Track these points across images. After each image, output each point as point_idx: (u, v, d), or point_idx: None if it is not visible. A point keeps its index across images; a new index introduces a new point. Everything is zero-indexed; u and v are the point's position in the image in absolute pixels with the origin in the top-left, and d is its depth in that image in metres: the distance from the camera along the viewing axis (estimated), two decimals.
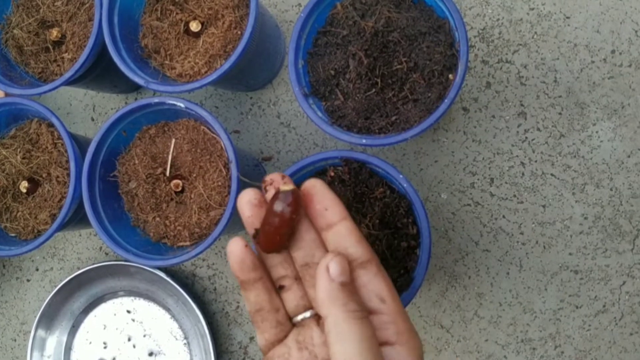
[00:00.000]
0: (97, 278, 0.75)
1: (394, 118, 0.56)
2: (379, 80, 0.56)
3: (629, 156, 0.64)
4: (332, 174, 0.54)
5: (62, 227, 0.64)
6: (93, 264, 0.74)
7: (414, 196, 0.52)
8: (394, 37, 0.56)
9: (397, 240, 0.54)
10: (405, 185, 0.52)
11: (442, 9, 0.55)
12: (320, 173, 0.56)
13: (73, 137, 0.65)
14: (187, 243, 0.61)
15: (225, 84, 0.69)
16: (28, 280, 0.80)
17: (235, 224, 0.65)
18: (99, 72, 0.67)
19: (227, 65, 0.57)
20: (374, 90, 0.56)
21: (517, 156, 0.66)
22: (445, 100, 0.53)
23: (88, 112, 0.78)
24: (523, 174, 0.66)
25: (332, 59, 0.58)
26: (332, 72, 0.57)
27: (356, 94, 0.56)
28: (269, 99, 0.73)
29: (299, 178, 0.56)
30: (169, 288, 0.73)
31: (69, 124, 0.78)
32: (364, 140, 0.54)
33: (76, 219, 0.66)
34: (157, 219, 0.62)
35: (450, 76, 0.55)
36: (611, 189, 0.65)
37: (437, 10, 0.56)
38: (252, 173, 0.69)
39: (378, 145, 0.54)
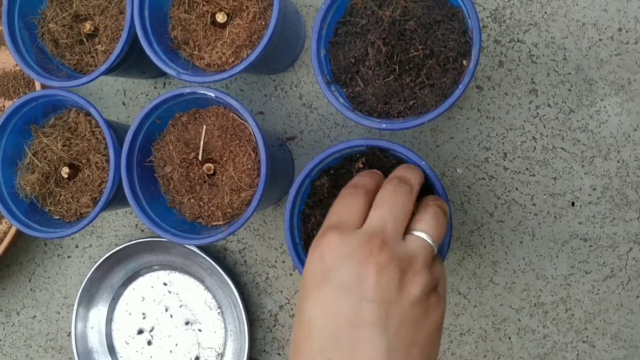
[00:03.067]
0: (134, 254, 0.80)
1: (411, 102, 0.60)
2: (396, 67, 0.60)
3: (635, 129, 0.68)
4: (361, 165, 0.58)
5: (103, 209, 0.68)
6: (130, 240, 0.79)
7: (435, 180, 0.56)
8: (411, 25, 0.59)
9: None
10: (427, 171, 0.55)
11: None
12: (347, 159, 0.60)
13: (109, 124, 0.69)
14: (221, 222, 0.65)
15: (250, 70, 0.72)
16: (69, 257, 0.85)
17: (264, 202, 0.69)
18: (131, 62, 0.71)
19: (253, 56, 0.61)
20: (392, 76, 0.60)
21: (529, 131, 0.70)
22: (460, 86, 0.56)
23: (119, 96, 0.82)
24: (535, 148, 0.70)
25: (352, 48, 0.61)
26: (352, 60, 0.61)
27: (375, 80, 0.60)
28: (291, 81, 0.77)
29: (327, 164, 0.60)
30: (202, 262, 0.77)
31: (102, 109, 0.83)
32: (383, 125, 0.58)
33: (115, 200, 0.71)
34: (192, 200, 0.66)
35: (464, 62, 0.58)
36: (618, 161, 0.68)
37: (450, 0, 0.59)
38: (277, 152, 0.73)
39: (397, 129, 0.58)
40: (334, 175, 0.60)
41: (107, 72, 0.68)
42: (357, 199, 0.49)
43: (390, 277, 0.43)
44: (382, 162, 0.59)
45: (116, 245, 0.82)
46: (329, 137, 0.76)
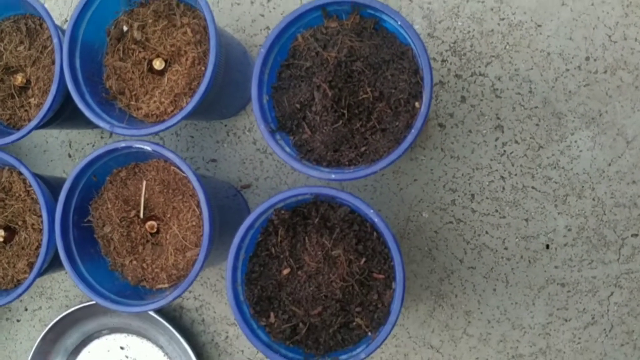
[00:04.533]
0: (89, 316, 0.74)
1: (363, 149, 0.55)
2: (345, 112, 0.55)
3: (609, 164, 0.63)
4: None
5: (41, 274, 0.63)
6: (81, 302, 0.74)
7: (385, 230, 0.51)
8: (358, 66, 0.55)
9: (374, 270, 0.54)
10: (376, 220, 0.51)
11: (404, 35, 0.54)
12: (295, 208, 0.56)
13: (46, 182, 0.65)
14: (166, 285, 0.60)
15: (197, 116, 0.68)
16: (18, 321, 0.80)
17: (213, 259, 0.64)
18: (69, 113, 0.66)
19: (190, 105, 0.57)
20: (341, 122, 0.55)
21: (496, 170, 0.65)
22: (412, 131, 0.51)
23: (64, 148, 0.78)
24: (504, 188, 0.65)
25: (297, 92, 0.56)
26: (298, 106, 0.56)
27: (323, 126, 0.55)
28: (244, 125, 0.72)
29: (271, 214, 0.56)
30: (160, 325, 0.72)
31: (47, 162, 0.78)
32: (332, 176, 0.53)
33: (55, 264, 0.65)
34: (134, 262, 0.61)
35: (417, 104, 0.54)
36: (593, 199, 0.63)
37: (399, 37, 0.55)
38: (232, 203, 0.68)
39: (346, 180, 0.53)
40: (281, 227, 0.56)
41: (40, 126, 0.63)
42: None
43: None
44: (329, 213, 0.54)
45: (67, 306, 0.77)
46: (285, 183, 0.71)
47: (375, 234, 0.55)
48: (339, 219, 0.55)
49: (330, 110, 0.55)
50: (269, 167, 0.71)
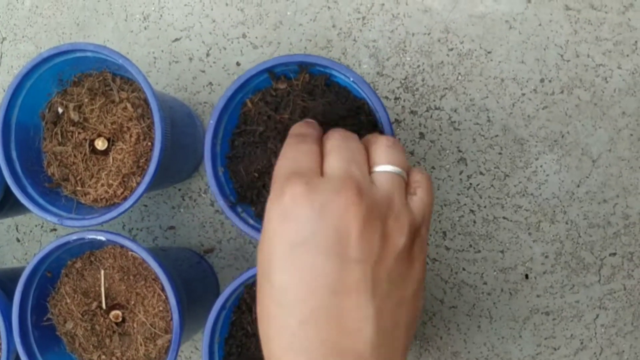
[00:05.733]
0: None
1: None
2: None
3: (578, 186, 0.62)
4: None
5: None
6: None
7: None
8: None
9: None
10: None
11: (357, 89, 0.51)
12: None
13: None
14: None
15: (149, 189, 0.64)
16: None
17: (185, 336, 0.61)
18: (12, 203, 0.62)
19: (142, 187, 0.53)
20: None
21: (465, 204, 0.64)
22: None
23: (12, 233, 0.73)
24: (474, 222, 0.64)
25: (253, 160, 0.53)
26: (256, 174, 0.53)
27: None
28: (199, 187, 0.69)
29: (242, 292, 0.53)
30: None
31: None
32: None
33: None
34: (103, 357, 0.58)
35: None
36: (567, 223, 0.62)
37: (352, 91, 0.52)
38: (197, 272, 0.65)
39: None
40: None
41: None
42: (309, 144, 0.41)
43: (374, 229, 0.36)
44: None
45: None
46: (250, 243, 0.68)
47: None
48: None
49: None
50: (231, 228, 0.68)
